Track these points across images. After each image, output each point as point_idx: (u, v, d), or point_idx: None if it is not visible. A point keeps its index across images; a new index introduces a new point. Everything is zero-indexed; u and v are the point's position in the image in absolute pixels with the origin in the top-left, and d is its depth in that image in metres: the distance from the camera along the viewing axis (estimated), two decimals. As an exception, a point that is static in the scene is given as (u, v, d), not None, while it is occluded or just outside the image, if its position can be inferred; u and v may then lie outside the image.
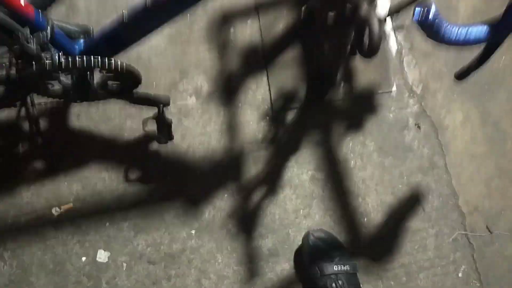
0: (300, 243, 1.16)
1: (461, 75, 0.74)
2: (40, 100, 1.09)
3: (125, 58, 1.23)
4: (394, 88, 1.27)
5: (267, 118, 1.24)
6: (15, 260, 1.13)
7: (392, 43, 1.29)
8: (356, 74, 1.27)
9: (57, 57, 0.80)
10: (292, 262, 1.16)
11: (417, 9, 0.60)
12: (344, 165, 1.22)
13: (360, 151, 1.23)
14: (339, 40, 1.01)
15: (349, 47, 0.93)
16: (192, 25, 1.28)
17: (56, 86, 0.95)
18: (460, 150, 1.26)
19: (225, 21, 1.28)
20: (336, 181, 1.21)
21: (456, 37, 0.64)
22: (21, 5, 0.76)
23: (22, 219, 1.15)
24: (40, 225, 1.15)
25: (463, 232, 1.20)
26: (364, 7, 0.69)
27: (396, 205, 1.21)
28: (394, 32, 1.30)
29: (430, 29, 0.63)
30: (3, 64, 0.85)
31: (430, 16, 0.61)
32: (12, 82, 0.89)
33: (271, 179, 1.20)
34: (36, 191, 1.16)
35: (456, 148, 1.26)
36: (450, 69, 1.31)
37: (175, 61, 1.26)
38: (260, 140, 1.22)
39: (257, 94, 1.25)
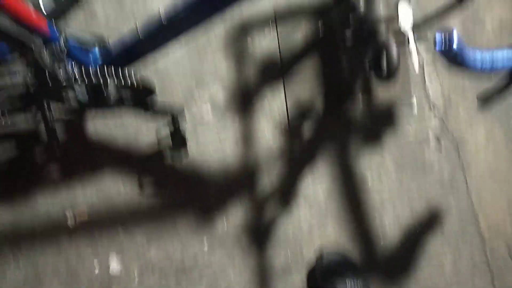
0: (313, 259, 1.13)
1: (485, 99, 0.71)
2: (56, 106, 1.09)
3: (141, 65, 1.23)
4: (414, 101, 1.24)
5: (283, 129, 1.22)
6: (29, 266, 1.13)
7: (414, 55, 1.26)
8: (375, 86, 1.24)
9: (70, 68, 0.80)
10: (304, 280, 1.13)
11: (438, 35, 0.57)
12: (361, 179, 1.19)
13: (377, 166, 1.20)
14: (357, 56, 0.98)
15: (367, 65, 0.90)
16: (210, 34, 1.26)
17: (71, 95, 0.94)
18: (482, 167, 1.21)
19: (243, 30, 1.26)
20: (352, 197, 1.18)
21: (481, 65, 0.61)
22: (32, 18, 0.75)
23: (37, 225, 1.15)
24: (55, 233, 1.15)
25: (483, 257, 1.15)
26: (383, 31, 0.66)
27: (414, 225, 1.17)
28: (416, 44, 1.27)
29: (454, 59, 0.60)
30: (17, 71, 0.86)
31: (454, 45, 0.58)
32: (27, 90, 0.89)
33: (286, 192, 1.18)
34: (52, 199, 1.17)
35: (477, 165, 1.21)
36: (474, 82, 1.27)
37: (192, 68, 1.25)
38: (275, 151, 1.20)
39: (273, 105, 1.23)
